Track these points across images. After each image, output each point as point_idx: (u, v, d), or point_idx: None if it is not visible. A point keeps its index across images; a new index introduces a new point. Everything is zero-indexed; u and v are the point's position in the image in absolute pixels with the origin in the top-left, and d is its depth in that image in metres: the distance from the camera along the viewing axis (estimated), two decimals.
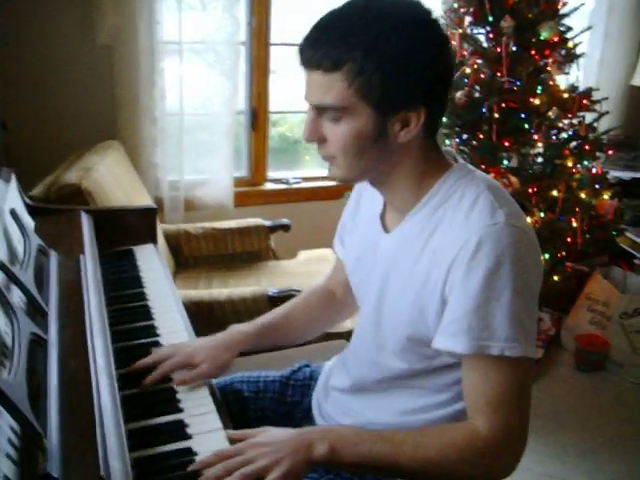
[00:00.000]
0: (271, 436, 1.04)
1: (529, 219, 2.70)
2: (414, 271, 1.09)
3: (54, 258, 1.40)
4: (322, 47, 1.00)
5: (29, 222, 1.53)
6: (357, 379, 1.26)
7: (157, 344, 1.34)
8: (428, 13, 1.04)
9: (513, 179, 2.61)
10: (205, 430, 1.09)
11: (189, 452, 1.03)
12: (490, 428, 1.02)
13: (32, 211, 1.65)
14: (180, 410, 1.13)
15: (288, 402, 1.43)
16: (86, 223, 1.69)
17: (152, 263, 1.74)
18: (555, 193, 2.82)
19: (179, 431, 1.07)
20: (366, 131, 1.03)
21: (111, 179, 2.29)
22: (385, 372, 1.20)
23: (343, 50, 0.98)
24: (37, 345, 1.03)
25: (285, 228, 3.00)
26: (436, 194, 1.10)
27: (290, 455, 0.98)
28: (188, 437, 1.07)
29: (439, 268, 1.05)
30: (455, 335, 1.02)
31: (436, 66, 1.04)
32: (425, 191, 1.11)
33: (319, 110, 1.05)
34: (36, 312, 1.14)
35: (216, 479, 0.96)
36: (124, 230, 1.84)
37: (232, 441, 1.06)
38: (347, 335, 2.01)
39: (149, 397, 1.17)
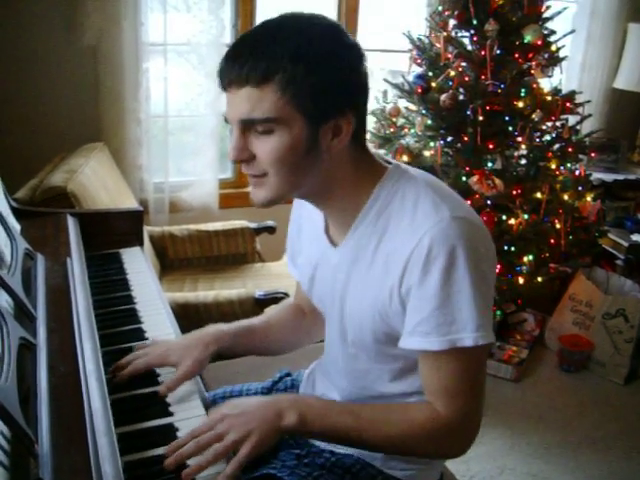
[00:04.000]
0: (241, 406, 1.07)
1: (513, 221, 2.73)
2: (368, 278, 1.11)
3: (41, 262, 1.39)
4: (248, 62, 0.98)
5: (15, 225, 1.52)
6: (343, 392, 1.27)
7: None
8: (336, 23, 1.07)
9: (497, 181, 2.63)
10: None
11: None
12: (449, 411, 1.07)
13: (17, 214, 1.64)
14: (170, 414, 1.13)
15: None
16: (72, 226, 1.68)
17: (139, 266, 1.74)
18: (539, 195, 2.84)
19: (170, 435, 1.07)
20: (298, 142, 1.02)
21: (96, 181, 2.28)
22: (367, 378, 1.21)
23: (271, 61, 0.97)
24: (26, 350, 1.02)
25: (270, 230, 3.00)
26: (376, 200, 1.10)
27: (259, 425, 1.02)
28: None
29: (393, 272, 1.06)
30: (426, 335, 1.04)
31: (357, 71, 1.05)
32: (364, 199, 1.11)
33: (246, 126, 1.03)
34: (24, 316, 1.13)
35: (188, 455, 0.99)
36: (110, 233, 1.83)
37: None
38: None
39: (139, 401, 1.17)
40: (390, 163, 1.15)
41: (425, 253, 1.01)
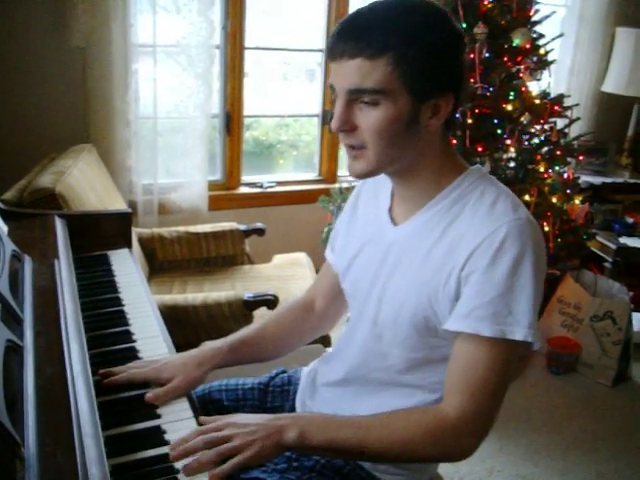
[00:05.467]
0: (245, 418, 1.09)
1: None
2: (427, 259, 1.13)
3: (28, 263, 1.39)
4: (364, 35, 1.03)
5: (3, 227, 1.52)
6: (351, 368, 1.27)
7: (133, 349, 1.33)
8: (445, 10, 1.11)
9: None
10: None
11: (167, 458, 1.02)
12: (460, 411, 1.06)
13: (4, 216, 1.63)
14: (158, 416, 1.13)
15: (268, 408, 1.43)
16: (60, 228, 1.67)
17: (127, 268, 1.73)
18: (527, 198, 2.85)
19: (157, 437, 1.07)
20: (401, 116, 1.06)
21: (85, 183, 2.27)
22: (382, 362, 1.22)
23: (386, 38, 1.02)
24: (13, 352, 1.02)
25: (259, 232, 2.99)
26: (456, 188, 1.15)
27: (262, 438, 1.03)
28: (166, 443, 1.06)
29: (456, 255, 1.09)
30: (481, 319, 1.05)
31: (461, 54, 1.12)
32: (444, 185, 1.15)
33: (353, 96, 1.07)
34: (11, 318, 1.12)
35: (194, 450, 1.00)
36: (99, 235, 1.83)
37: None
38: (322, 340, 2.02)
39: (127, 403, 1.16)
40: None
41: (499, 242, 1.05)
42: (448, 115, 1.11)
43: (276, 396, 1.45)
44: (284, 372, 1.51)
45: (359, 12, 1.08)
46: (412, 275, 1.14)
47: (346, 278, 1.32)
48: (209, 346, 1.34)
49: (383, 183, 1.26)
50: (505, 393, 1.10)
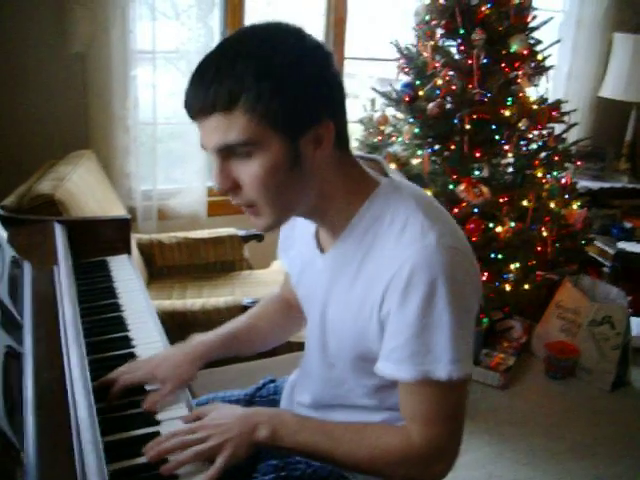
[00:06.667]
0: (221, 416, 1.10)
1: (500, 228, 2.74)
2: (350, 294, 1.09)
3: (28, 269, 1.39)
4: (211, 88, 0.94)
5: (2, 233, 1.52)
6: (315, 395, 1.27)
7: (132, 355, 1.34)
8: (299, 27, 1.01)
9: (484, 189, 2.64)
10: None
11: (166, 464, 1.02)
12: (424, 439, 1.05)
13: (4, 221, 1.63)
14: (157, 422, 1.13)
15: None
16: (59, 234, 1.68)
17: (126, 273, 1.73)
18: (525, 203, 2.86)
19: None
20: (280, 161, 0.97)
21: (84, 189, 2.28)
22: (341, 388, 1.21)
23: (234, 82, 0.93)
24: (12, 357, 1.02)
25: (258, 238, 3.00)
26: (365, 215, 1.07)
27: (236, 437, 1.05)
28: None
29: (374, 294, 1.03)
30: (399, 362, 1.02)
31: (328, 73, 1.00)
32: (354, 212, 1.07)
33: (226, 153, 0.98)
34: (10, 324, 1.13)
35: (170, 450, 1.02)
36: (98, 240, 1.83)
37: (187, 422, 1.13)
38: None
39: (126, 409, 1.16)
40: (387, 174, 1.12)
41: (405, 280, 0.98)
42: (334, 138, 1.00)
43: (262, 406, 1.44)
44: (272, 381, 1.52)
45: (207, 58, 0.98)
46: (343, 308, 1.10)
47: (298, 291, 1.30)
48: (199, 340, 1.33)
49: None
50: (464, 415, 1.09)
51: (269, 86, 0.93)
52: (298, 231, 1.26)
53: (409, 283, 0.98)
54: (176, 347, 1.32)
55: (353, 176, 1.08)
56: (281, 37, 0.98)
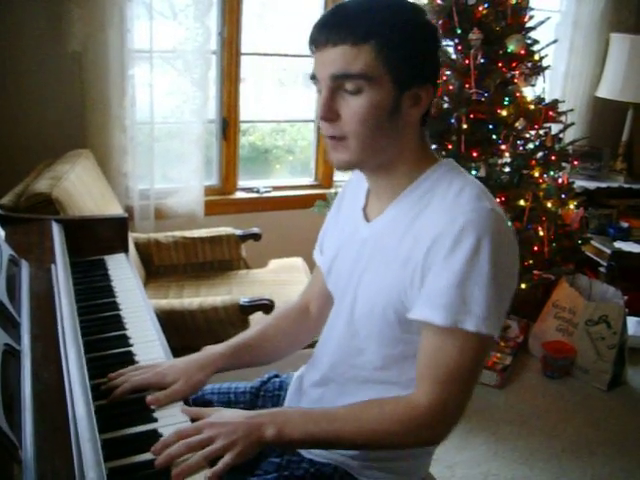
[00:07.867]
0: (225, 417, 1.10)
1: None
2: (396, 252, 1.13)
3: (25, 268, 1.39)
4: (350, 22, 1.05)
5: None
6: (329, 367, 1.28)
7: (130, 354, 1.34)
8: (420, 6, 1.16)
9: None
10: None
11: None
12: (431, 399, 1.08)
13: (1, 220, 1.64)
14: (154, 420, 1.13)
15: None
16: (57, 232, 1.68)
17: (124, 272, 1.74)
18: (522, 202, 2.86)
19: (154, 440, 1.06)
20: (384, 103, 1.08)
21: (81, 188, 2.28)
22: (359, 358, 1.23)
23: (370, 25, 1.05)
24: (10, 356, 1.02)
25: (256, 237, 3.00)
26: (425, 181, 1.16)
27: (243, 437, 1.05)
28: None
29: (420, 246, 1.09)
30: (435, 308, 1.06)
31: (438, 48, 1.15)
32: (416, 177, 1.16)
33: (337, 85, 1.08)
34: (8, 322, 1.13)
35: (178, 455, 1.01)
36: (95, 239, 1.83)
37: (190, 419, 1.13)
38: (315, 344, 2.02)
39: (123, 407, 1.17)
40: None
41: (457, 232, 1.05)
42: (426, 107, 1.13)
43: (267, 401, 1.46)
44: (277, 376, 1.52)
45: (341, 5, 1.10)
46: (383, 270, 1.16)
47: (329, 280, 1.34)
48: (211, 350, 1.34)
49: (362, 185, 1.28)
50: (476, 381, 1.13)
51: (398, 37, 1.06)
52: (342, 216, 1.36)
53: (459, 236, 1.05)
54: (187, 356, 1.33)
55: (424, 147, 1.19)
56: (410, 7, 1.13)
